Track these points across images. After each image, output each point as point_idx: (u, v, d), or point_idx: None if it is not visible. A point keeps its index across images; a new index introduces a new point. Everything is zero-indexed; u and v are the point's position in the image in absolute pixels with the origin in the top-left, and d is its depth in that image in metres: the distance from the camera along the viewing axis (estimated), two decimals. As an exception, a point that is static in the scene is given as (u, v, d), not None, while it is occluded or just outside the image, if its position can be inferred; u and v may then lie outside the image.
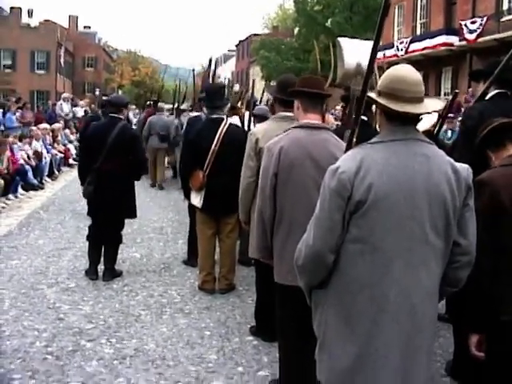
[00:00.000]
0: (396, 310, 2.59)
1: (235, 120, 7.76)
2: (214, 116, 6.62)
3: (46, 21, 58.67)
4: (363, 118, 5.28)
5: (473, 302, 3.07)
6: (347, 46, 7.81)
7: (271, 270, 4.12)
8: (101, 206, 7.00)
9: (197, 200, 6.53)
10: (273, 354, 4.97)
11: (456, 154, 4.52)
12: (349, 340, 2.65)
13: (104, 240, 7.14)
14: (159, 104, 16.42)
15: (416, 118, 2.72)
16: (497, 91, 4.68)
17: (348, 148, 2.89)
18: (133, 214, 7.38)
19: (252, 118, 7.27)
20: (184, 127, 9.90)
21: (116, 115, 7.16)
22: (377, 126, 2.95)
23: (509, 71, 4.70)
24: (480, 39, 25.11)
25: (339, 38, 8.24)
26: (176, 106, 16.23)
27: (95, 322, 5.68)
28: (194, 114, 10.00)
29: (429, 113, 2.81)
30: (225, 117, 6.72)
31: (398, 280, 2.59)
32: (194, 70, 13.77)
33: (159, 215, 11.07)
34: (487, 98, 4.76)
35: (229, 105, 7.57)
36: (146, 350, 5.06)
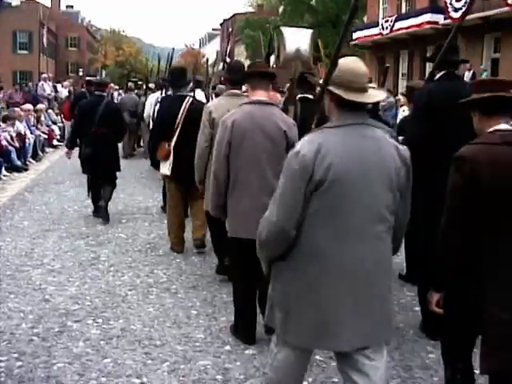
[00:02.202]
0: (353, 277, 2.89)
1: (200, 94, 8.91)
2: (179, 94, 7.48)
3: (27, 0, 57.91)
4: (309, 96, 6.36)
5: (437, 269, 3.36)
6: (288, 34, 9.10)
7: (223, 224, 4.90)
8: (96, 160, 8.82)
9: (165, 169, 7.30)
10: (259, 332, 4.97)
11: (408, 128, 5.35)
12: (313, 307, 2.92)
13: (101, 186, 9.04)
14: (129, 84, 18.86)
15: (364, 105, 3.02)
16: (443, 72, 5.09)
17: (294, 119, 3.41)
18: (118, 168, 9.36)
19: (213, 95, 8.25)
20: (151, 104, 11.94)
21: (101, 93, 9.32)
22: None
23: (451, 53, 5.13)
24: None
25: (281, 27, 9.90)
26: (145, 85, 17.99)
27: (81, 302, 5.65)
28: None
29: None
30: (188, 94, 7.65)
31: (354, 250, 2.88)
32: (173, 49, 14.66)
33: (144, 195, 11.03)
34: (436, 78, 5.19)
35: (191, 84, 8.94)
36: (132, 330, 5.05)
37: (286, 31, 9.10)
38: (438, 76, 5.16)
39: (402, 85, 31.02)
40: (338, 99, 2.96)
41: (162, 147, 7.28)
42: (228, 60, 11.11)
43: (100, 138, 8.78)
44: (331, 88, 2.98)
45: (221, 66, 16.67)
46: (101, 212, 8.94)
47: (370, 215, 2.90)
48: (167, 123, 7.22)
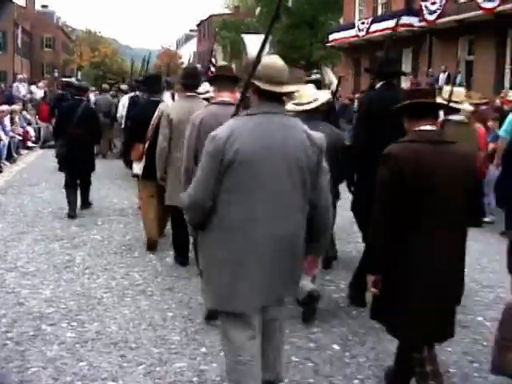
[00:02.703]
0: (261, 248, 3.32)
1: (166, 95, 9.24)
2: (152, 98, 7.98)
3: None
4: None
5: (372, 253, 3.87)
6: (249, 41, 10.20)
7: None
8: (73, 159, 9.41)
9: (138, 168, 7.68)
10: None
11: (353, 131, 5.99)
12: (226, 271, 3.35)
13: (77, 185, 9.70)
14: (103, 85, 19.78)
15: (280, 97, 3.45)
16: (382, 82, 5.69)
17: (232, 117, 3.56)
18: (93, 167, 10.02)
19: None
20: (123, 106, 12.81)
21: (79, 97, 10.04)
22: None
23: (389, 65, 5.79)
24: (439, 20, 25.30)
25: (243, 35, 10.60)
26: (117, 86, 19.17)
27: (56, 305, 5.61)
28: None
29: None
30: (161, 99, 8.09)
31: (261, 223, 3.31)
32: (150, 53, 14.68)
33: (119, 197, 10.98)
34: (376, 87, 5.78)
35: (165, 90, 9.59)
36: (108, 333, 5.02)
37: (247, 38, 10.38)
38: (377, 86, 5.75)
39: (378, 86, 31.26)
40: (257, 90, 3.41)
41: (135, 148, 7.67)
42: (214, 61, 11.29)
43: (76, 139, 9.37)
44: (253, 81, 3.39)
45: (199, 66, 16.89)
46: (74, 213, 9.42)
47: (276, 192, 3.32)
48: (141, 126, 7.47)
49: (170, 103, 7.49)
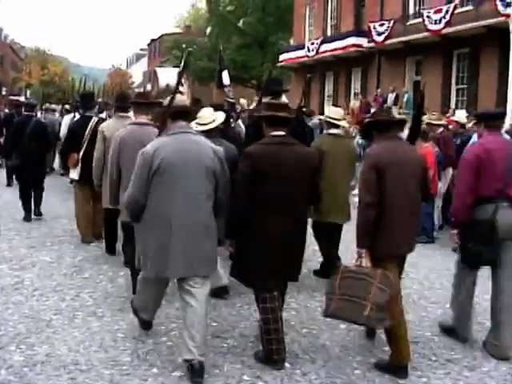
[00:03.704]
0: (181, 228, 4.63)
1: (104, 114, 10.99)
2: (87, 114, 9.55)
3: None
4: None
5: (230, 223, 5.01)
6: (161, 74, 13.75)
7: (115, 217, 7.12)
8: (26, 170, 10.56)
9: (74, 174, 9.10)
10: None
11: (247, 140, 7.03)
12: (157, 249, 4.68)
13: (31, 192, 10.76)
14: (47, 105, 20.43)
15: (188, 121, 5.03)
16: (269, 98, 7.08)
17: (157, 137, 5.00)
18: (44, 176, 11.06)
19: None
20: (66, 124, 13.86)
21: (30, 113, 11.33)
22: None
23: (274, 84, 7.60)
24: (388, 41, 25.85)
25: (156, 68, 12.53)
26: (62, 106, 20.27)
27: (4, 328, 5.50)
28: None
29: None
30: (94, 114, 9.68)
31: (180, 211, 4.63)
32: (85, 77, 16.83)
33: (70, 218, 10.78)
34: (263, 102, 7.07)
35: (97, 107, 11.20)
36: (57, 356, 4.95)
37: (159, 71, 12.02)
38: (265, 101, 6.90)
39: (329, 105, 31.64)
40: (171, 116, 4.89)
41: (72, 157, 9.04)
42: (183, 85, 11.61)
43: (28, 152, 10.44)
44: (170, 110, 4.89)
45: (149, 86, 16.85)
46: (29, 217, 10.59)
47: (190, 189, 4.65)
48: (76, 137, 9.02)
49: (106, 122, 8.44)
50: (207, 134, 5.81)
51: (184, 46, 43.19)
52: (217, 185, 4.81)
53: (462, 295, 5.64)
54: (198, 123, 6.28)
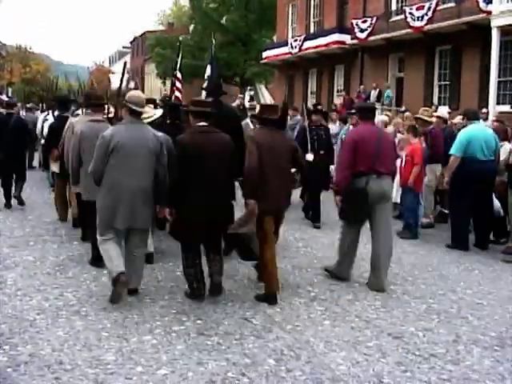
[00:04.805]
0: (129, 192, 6.13)
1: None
2: (64, 114, 10.99)
3: None
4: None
5: (169, 194, 6.37)
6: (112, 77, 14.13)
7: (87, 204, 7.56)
8: (9, 163, 11.64)
9: (55, 167, 10.49)
10: (172, 352, 5.00)
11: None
12: (109, 208, 6.17)
13: (12, 182, 11.86)
14: (28, 105, 22.07)
15: (140, 114, 6.41)
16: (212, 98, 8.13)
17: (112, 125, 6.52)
18: (25, 168, 12.24)
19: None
20: (40, 122, 15.31)
21: (10, 111, 12.48)
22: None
23: (216, 86, 8.75)
24: (370, 38, 25.92)
25: (110, 75, 12.60)
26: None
27: (-13, 329, 5.47)
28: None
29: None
30: (69, 114, 11.07)
31: (130, 180, 6.12)
32: (58, 78, 17.04)
33: (53, 217, 10.75)
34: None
35: (72, 107, 12.60)
36: (41, 356, 4.92)
37: (113, 76, 13.08)
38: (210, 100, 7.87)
39: (312, 102, 31.69)
40: (129, 109, 6.32)
41: (52, 152, 10.41)
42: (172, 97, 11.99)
43: (11, 146, 11.50)
44: (127, 104, 6.33)
45: (132, 84, 16.77)
46: (10, 204, 11.63)
47: (137, 164, 6.15)
48: (55, 135, 10.14)
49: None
50: (148, 124, 7.22)
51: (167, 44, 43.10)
52: (158, 162, 6.27)
53: (346, 245, 7.29)
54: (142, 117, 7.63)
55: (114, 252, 6.16)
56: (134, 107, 6.24)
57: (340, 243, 7.37)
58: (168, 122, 8.83)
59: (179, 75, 12.24)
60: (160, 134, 6.44)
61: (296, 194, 10.66)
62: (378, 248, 7.09)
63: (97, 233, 6.37)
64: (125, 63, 7.93)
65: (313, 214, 11.00)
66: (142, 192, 6.17)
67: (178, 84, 11.97)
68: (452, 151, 9.41)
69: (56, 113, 13.78)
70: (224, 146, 6.35)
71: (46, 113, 15.54)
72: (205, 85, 10.41)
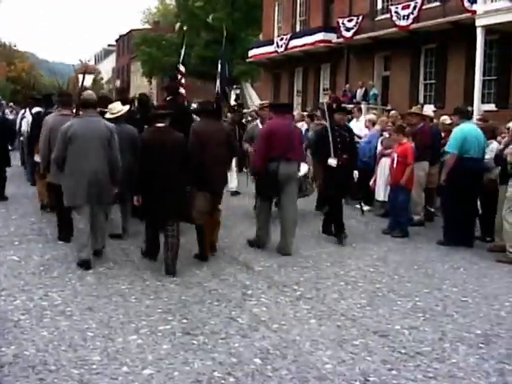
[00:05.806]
0: (87, 174, 7.37)
1: (37, 109, 13.38)
2: (48, 110, 11.27)
3: None
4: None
5: (135, 183, 7.72)
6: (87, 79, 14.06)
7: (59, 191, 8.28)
8: None
9: (38, 158, 10.49)
10: (157, 352, 4.98)
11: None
12: (72, 187, 7.45)
13: None
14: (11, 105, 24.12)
15: (93, 108, 7.78)
16: (170, 97, 10.55)
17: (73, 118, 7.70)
18: (8, 164, 12.99)
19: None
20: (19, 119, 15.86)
21: None
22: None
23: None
24: (356, 37, 25.96)
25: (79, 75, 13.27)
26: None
27: (-30, 329, 5.41)
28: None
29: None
30: (54, 110, 10.96)
31: (88, 164, 7.37)
32: (34, 80, 17.33)
33: (37, 216, 10.69)
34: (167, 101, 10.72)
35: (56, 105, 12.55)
36: (25, 356, 4.88)
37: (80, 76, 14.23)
38: (168, 99, 9.88)
39: (298, 101, 31.72)
40: (82, 105, 7.79)
41: (35, 145, 10.79)
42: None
43: None
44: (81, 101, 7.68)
45: (118, 83, 16.79)
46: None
47: (92, 150, 7.40)
48: (38, 130, 10.31)
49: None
50: (116, 118, 8.58)
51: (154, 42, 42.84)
52: (109, 146, 7.55)
53: (263, 216, 8.82)
54: (110, 112, 8.82)
55: (82, 229, 7.52)
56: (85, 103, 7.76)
57: (257, 215, 9.05)
58: (138, 116, 10.27)
59: (182, 68, 12.08)
60: (111, 125, 7.77)
61: (306, 202, 9.19)
62: (285, 217, 8.62)
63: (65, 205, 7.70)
64: (84, 72, 9.60)
65: (336, 227, 9.65)
66: (98, 173, 7.44)
67: (182, 80, 11.84)
68: (449, 148, 9.48)
69: (34, 110, 14.06)
70: (176, 142, 7.49)
71: (24, 110, 15.79)
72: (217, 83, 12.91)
